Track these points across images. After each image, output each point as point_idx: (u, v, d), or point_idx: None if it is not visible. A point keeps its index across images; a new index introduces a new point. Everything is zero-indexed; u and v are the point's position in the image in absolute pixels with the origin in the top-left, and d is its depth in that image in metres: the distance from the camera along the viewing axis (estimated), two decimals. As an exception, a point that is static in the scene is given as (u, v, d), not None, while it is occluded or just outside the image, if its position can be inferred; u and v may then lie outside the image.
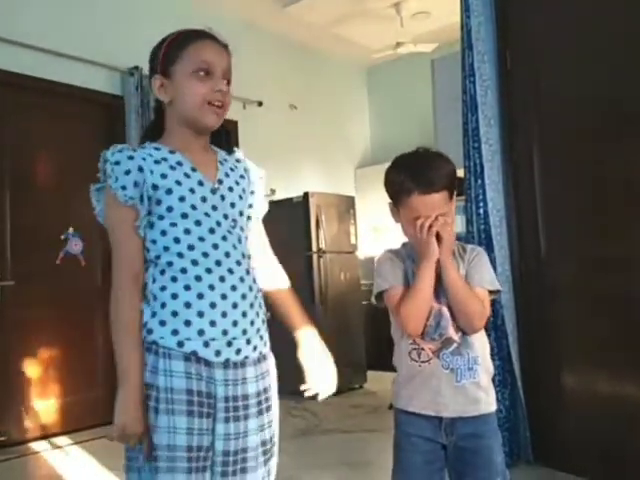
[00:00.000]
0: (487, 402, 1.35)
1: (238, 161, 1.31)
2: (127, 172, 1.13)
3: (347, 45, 5.36)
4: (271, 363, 1.26)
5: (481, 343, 1.36)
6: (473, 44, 2.59)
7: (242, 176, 1.28)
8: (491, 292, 1.39)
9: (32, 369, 3.41)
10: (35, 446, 3.23)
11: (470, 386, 1.33)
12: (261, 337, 1.22)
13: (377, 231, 5.72)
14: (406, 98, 5.54)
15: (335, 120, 5.59)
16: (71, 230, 3.63)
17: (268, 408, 1.20)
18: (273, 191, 4.45)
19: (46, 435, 3.37)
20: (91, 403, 3.54)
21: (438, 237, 1.30)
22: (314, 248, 4.29)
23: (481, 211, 2.57)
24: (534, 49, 2.62)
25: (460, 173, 2.76)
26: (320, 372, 1.38)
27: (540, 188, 2.60)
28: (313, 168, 5.25)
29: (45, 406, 3.43)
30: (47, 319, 3.48)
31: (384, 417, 3.56)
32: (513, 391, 2.51)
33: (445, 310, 1.34)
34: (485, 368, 1.36)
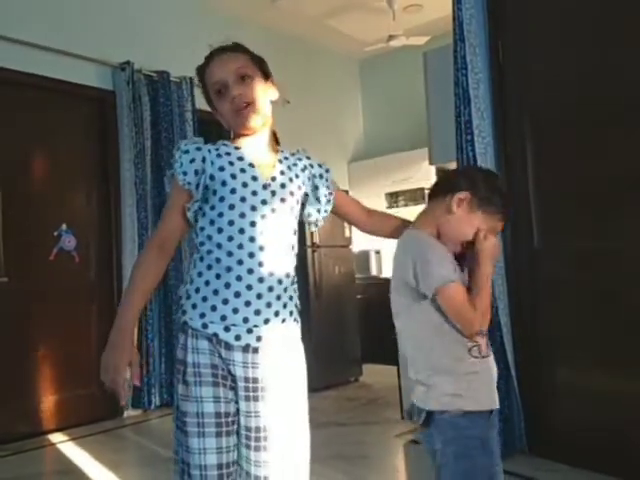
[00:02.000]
0: None
1: (300, 159, 1.41)
2: (192, 160, 1.27)
3: (339, 38, 5.34)
4: (298, 353, 1.33)
5: None
6: (465, 36, 2.59)
7: (297, 175, 1.37)
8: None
9: (27, 366, 3.40)
10: (32, 442, 3.22)
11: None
12: (287, 327, 1.29)
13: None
14: (399, 91, 5.54)
15: (328, 114, 5.58)
16: (64, 226, 3.62)
17: (294, 391, 1.29)
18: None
19: (42, 431, 3.36)
20: (87, 399, 3.54)
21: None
22: (308, 242, 4.30)
23: (474, 204, 2.58)
24: (526, 41, 2.62)
25: (453, 166, 2.78)
26: None
27: (533, 181, 2.61)
28: (306, 162, 5.23)
29: (43, 402, 3.43)
30: (41, 315, 3.47)
31: (380, 410, 3.58)
32: (507, 382, 2.53)
33: None
34: None
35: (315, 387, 4.08)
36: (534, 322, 2.56)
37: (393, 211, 5.43)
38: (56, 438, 3.30)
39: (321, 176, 1.43)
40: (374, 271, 5.41)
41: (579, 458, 2.35)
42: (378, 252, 5.47)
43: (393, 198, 5.46)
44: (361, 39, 5.22)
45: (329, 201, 1.44)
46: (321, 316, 4.28)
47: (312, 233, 4.30)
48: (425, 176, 4.95)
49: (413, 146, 5.00)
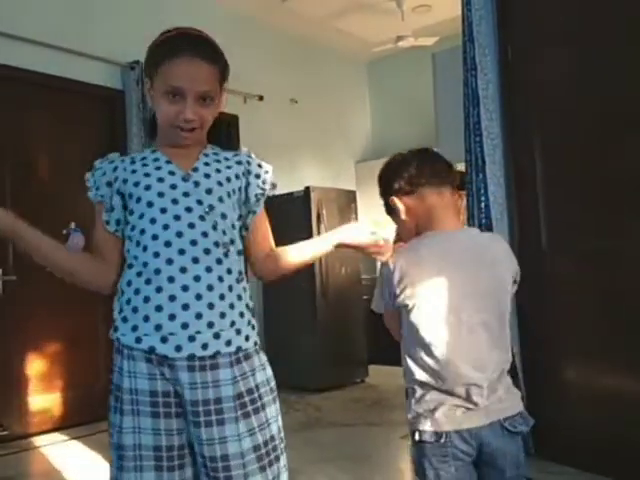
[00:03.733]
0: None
1: (236, 155, 1.26)
2: (103, 174, 1.21)
3: (348, 39, 5.34)
4: (258, 361, 1.15)
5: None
6: (474, 37, 2.58)
7: (229, 167, 1.22)
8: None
9: (33, 364, 3.42)
10: (36, 441, 3.24)
11: None
12: (238, 331, 1.12)
13: (378, 225, 5.71)
14: (407, 92, 5.52)
15: (336, 114, 5.58)
16: (73, 225, 3.63)
17: (256, 410, 1.11)
18: (274, 185, 4.45)
19: (47, 430, 3.38)
20: (92, 398, 3.54)
21: None
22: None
23: (482, 205, 2.57)
24: (535, 42, 2.61)
25: (461, 167, 2.77)
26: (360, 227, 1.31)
27: (541, 182, 2.59)
28: (314, 162, 5.24)
29: (46, 401, 3.44)
30: (49, 314, 3.49)
31: (385, 411, 3.57)
32: (514, 384, 2.51)
33: None
34: None
35: (321, 387, 4.09)
36: (541, 324, 2.55)
37: (400, 212, 5.42)
38: (60, 437, 3.32)
39: (258, 175, 1.25)
40: (381, 272, 5.40)
41: (585, 461, 2.34)
42: (385, 253, 5.46)
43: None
44: (369, 40, 5.22)
45: (258, 201, 1.25)
46: (327, 317, 4.27)
47: (319, 234, 4.30)
48: (433, 177, 4.93)
49: (421, 147, 4.99)
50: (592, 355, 2.40)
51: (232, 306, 1.12)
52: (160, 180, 1.16)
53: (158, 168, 1.18)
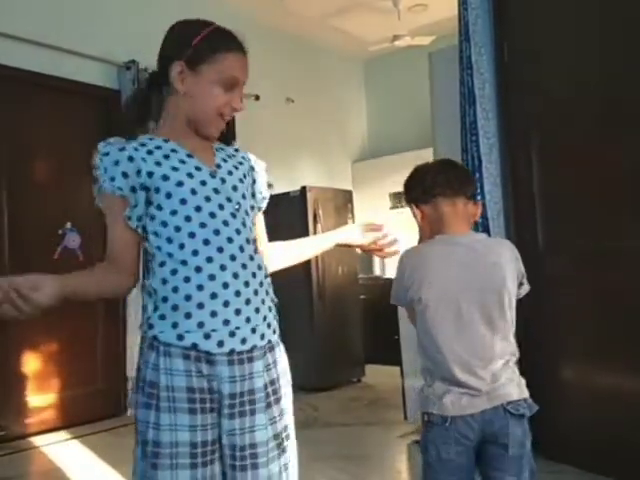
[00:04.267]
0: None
1: (237, 151, 1.29)
2: (116, 162, 1.12)
3: (344, 38, 5.34)
4: (279, 352, 1.21)
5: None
6: (470, 37, 2.59)
7: (241, 163, 1.25)
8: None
9: (31, 364, 3.41)
10: (35, 441, 3.23)
11: None
12: (269, 325, 1.17)
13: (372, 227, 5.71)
14: (404, 91, 5.53)
15: (332, 113, 5.58)
16: (69, 225, 3.62)
17: (277, 400, 1.16)
18: (270, 185, 4.44)
19: (46, 430, 3.37)
20: (90, 397, 3.54)
21: None
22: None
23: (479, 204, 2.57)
24: (531, 41, 2.62)
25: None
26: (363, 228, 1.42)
27: (538, 181, 2.60)
28: (310, 162, 5.24)
29: (45, 401, 3.43)
30: (46, 314, 3.46)
31: (382, 411, 3.57)
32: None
33: None
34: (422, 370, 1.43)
35: (318, 387, 4.08)
36: (539, 323, 2.55)
37: (397, 211, 5.42)
38: (60, 437, 3.31)
39: (259, 173, 1.30)
40: (377, 271, 5.40)
41: (585, 460, 2.35)
42: (382, 252, 5.46)
43: (397, 198, 5.45)
44: (366, 39, 5.22)
45: (264, 198, 1.30)
46: (324, 316, 4.27)
47: (315, 234, 4.30)
48: (429, 176, 4.94)
49: (418, 146, 5.00)
50: (591, 355, 2.40)
51: (263, 301, 1.17)
52: (190, 176, 1.13)
53: (182, 162, 1.15)
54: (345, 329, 4.47)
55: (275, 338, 1.20)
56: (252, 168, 1.28)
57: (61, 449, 3.12)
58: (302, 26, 5.04)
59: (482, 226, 2.56)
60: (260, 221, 1.32)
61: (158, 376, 1.10)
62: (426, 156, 4.15)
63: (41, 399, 3.42)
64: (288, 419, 1.20)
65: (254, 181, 1.27)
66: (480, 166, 2.58)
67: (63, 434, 3.34)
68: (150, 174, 1.12)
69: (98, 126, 3.83)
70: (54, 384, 3.49)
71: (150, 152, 1.14)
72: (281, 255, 1.36)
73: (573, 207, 2.46)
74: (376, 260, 5.45)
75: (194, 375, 1.10)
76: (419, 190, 1.46)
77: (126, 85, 3.82)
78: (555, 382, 2.51)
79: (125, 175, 1.12)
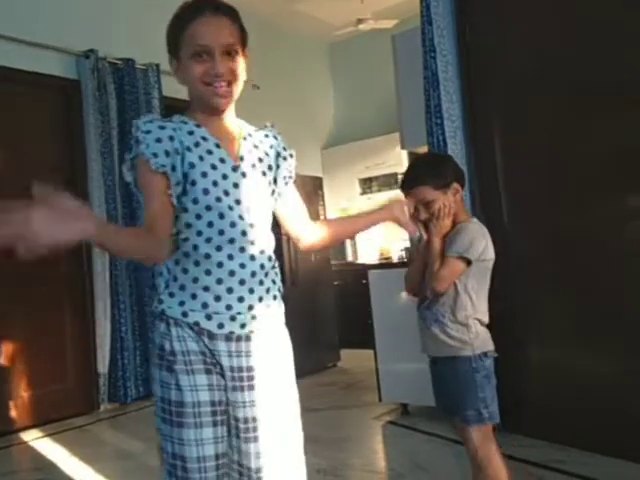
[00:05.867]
0: (456, 348, 1.60)
1: (267, 136, 1.32)
2: (158, 140, 1.14)
3: (309, 22, 5.29)
4: (283, 336, 1.30)
5: (452, 303, 1.60)
6: (432, 19, 2.59)
7: (267, 153, 1.29)
8: (467, 261, 1.59)
9: (0, 363, 3.33)
10: (6, 440, 3.17)
11: (439, 333, 1.61)
12: (271, 313, 1.25)
13: (345, 212, 5.74)
14: (370, 76, 5.52)
15: (299, 100, 5.54)
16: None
17: (287, 375, 1.27)
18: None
19: (17, 429, 3.30)
20: (62, 394, 3.49)
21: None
22: (283, 230, 4.27)
23: (446, 186, 2.60)
24: (493, 23, 2.63)
25: (424, 150, 2.79)
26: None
27: (501, 162, 2.64)
28: (279, 149, 5.20)
29: (14, 399, 3.36)
30: (14, 312, 3.39)
31: (358, 393, 3.61)
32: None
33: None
34: (455, 321, 1.60)
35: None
36: (508, 304, 2.60)
37: (367, 197, 5.45)
38: (31, 435, 3.25)
39: (285, 158, 1.34)
40: (350, 257, 5.43)
41: (554, 433, 2.42)
42: (353, 238, 5.49)
43: (367, 184, 5.48)
44: (331, 23, 5.19)
45: (287, 184, 1.34)
46: (298, 303, 4.27)
47: (286, 220, 4.29)
48: (398, 161, 4.97)
49: (385, 131, 5.02)
50: (559, 333, 2.46)
51: (268, 290, 1.23)
52: (213, 167, 1.18)
53: (209, 152, 1.19)
54: (319, 315, 4.49)
55: (278, 323, 1.28)
56: (279, 154, 1.32)
57: (33, 447, 3.07)
58: (266, 10, 4.97)
59: (449, 208, 2.59)
60: (292, 201, 1.37)
61: (172, 343, 1.17)
62: (393, 141, 4.19)
63: (12, 398, 3.35)
64: (296, 394, 1.29)
65: (278, 166, 1.31)
66: (445, 149, 2.60)
67: (35, 432, 3.28)
68: (183, 158, 1.16)
69: (57, 117, 3.72)
70: (24, 382, 3.41)
71: (185, 135, 1.18)
72: (328, 233, 1.41)
73: (538, 188, 2.51)
74: (349, 246, 5.48)
75: (203, 343, 1.17)
76: (457, 172, 1.66)
77: (85, 74, 3.72)
78: (524, 358, 2.57)
79: (167, 154, 1.14)
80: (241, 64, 1.22)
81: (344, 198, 5.51)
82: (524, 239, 2.57)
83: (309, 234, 1.40)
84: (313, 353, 4.33)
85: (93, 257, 3.66)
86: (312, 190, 4.62)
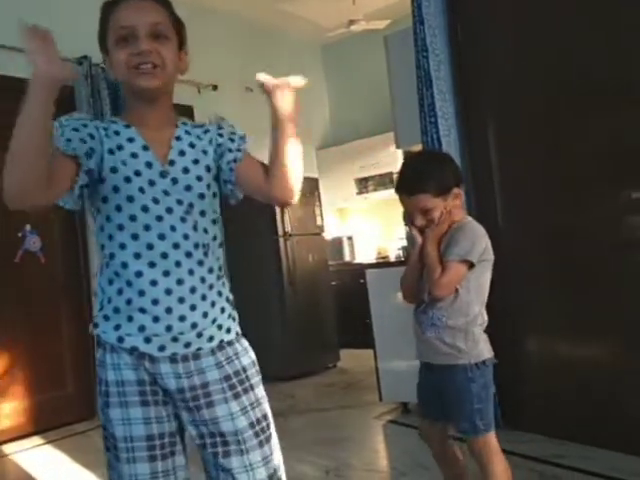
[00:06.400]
0: (453, 355, 1.56)
1: (207, 132, 1.20)
2: (75, 129, 1.05)
3: (301, 24, 5.30)
4: (240, 347, 1.18)
5: (449, 306, 1.56)
6: (424, 19, 2.60)
7: (205, 151, 1.17)
8: (469, 264, 1.55)
9: (-3, 370, 3.33)
10: (5, 448, 3.16)
11: (434, 340, 1.57)
12: (219, 326, 1.14)
13: (342, 212, 5.74)
14: (363, 76, 5.53)
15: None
16: (28, 227, 3.53)
17: (247, 389, 1.14)
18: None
19: (17, 436, 3.30)
20: (60, 401, 3.48)
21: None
22: (280, 232, 4.29)
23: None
24: (486, 21, 2.64)
25: (419, 149, 2.80)
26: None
27: (495, 161, 2.65)
28: (274, 151, 5.20)
29: (13, 407, 3.36)
30: (9, 319, 3.39)
31: (358, 393, 3.62)
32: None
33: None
34: (453, 327, 1.55)
35: (293, 375, 4.10)
36: (503, 301, 2.61)
37: (363, 197, 5.46)
38: (32, 442, 3.24)
39: (230, 143, 1.20)
40: (347, 257, 5.44)
41: (552, 428, 2.43)
42: (350, 238, 5.49)
43: (362, 184, 5.48)
44: (323, 24, 5.19)
45: (232, 170, 1.18)
46: (296, 304, 4.28)
47: (283, 222, 4.29)
48: (393, 160, 4.98)
49: (379, 131, 5.02)
50: (554, 329, 2.48)
51: (213, 304, 1.13)
52: (137, 174, 1.07)
53: (134, 155, 1.08)
54: (318, 316, 4.50)
55: (230, 336, 1.16)
56: (219, 145, 1.19)
57: (34, 455, 3.06)
58: (258, 13, 4.97)
59: (445, 206, 2.60)
60: (249, 165, 1.20)
61: (105, 372, 1.10)
62: (388, 140, 4.19)
63: (9, 405, 3.34)
64: (266, 408, 1.18)
65: (222, 156, 1.18)
66: (440, 147, 2.61)
67: (35, 440, 3.27)
68: (102, 159, 1.07)
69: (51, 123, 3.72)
70: (22, 390, 3.41)
71: (108, 136, 1.09)
72: (272, 175, 1.20)
73: (530, 184, 2.52)
74: (346, 246, 5.48)
75: (142, 369, 1.09)
76: (456, 174, 1.62)
77: (79, 80, 3.73)
78: (521, 354, 2.58)
79: (83, 141, 1.04)
80: (172, 51, 1.11)
81: (340, 198, 5.51)
82: (519, 238, 2.59)
83: (269, 182, 1.19)
84: (313, 354, 4.33)
85: (90, 264, 3.66)
86: (308, 191, 4.62)
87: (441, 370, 1.58)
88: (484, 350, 1.58)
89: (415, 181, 1.56)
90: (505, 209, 2.63)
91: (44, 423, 3.40)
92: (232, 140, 1.21)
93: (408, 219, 1.59)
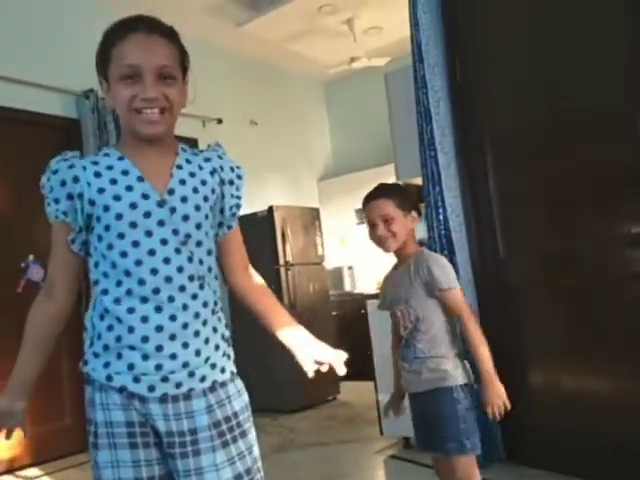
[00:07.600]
0: (439, 379, 1.62)
1: (207, 160, 1.17)
2: (63, 183, 1.06)
3: (303, 61, 5.43)
4: (234, 388, 1.12)
5: (429, 337, 1.64)
6: (423, 57, 2.68)
7: (204, 181, 1.12)
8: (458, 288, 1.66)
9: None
10: (5, 479, 3.12)
11: (420, 369, 1.63)
12: (213, 365, 1.09)
13: (343, 242, 5.77)
14: (364, 111, 5.65)
15: (296, 134, 5.65)
16: (31, 257, 3.55)
17: (238, 436, 1.07)
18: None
19: (15, 468, 3.25)
20: (60, 432, 3.45)
21: None
22: (281, 261, 4.31)
23: (441, 217, 2.65)
24: (483, 59, 2.72)
25: (419, 181, 2.85)
26: (318, 346, 1.23)
27: (495, 191, 2.69)
28: (276, 182, 5.28)
29: (12, 438, 3.31)
30: (11, 349, 3.37)
31: (358, 427, 3.58)
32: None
33: (398, 312, 1.69)
34: (436, 356, 1.62)
35: (294, 408, 4.06)
36: (504, 330, 2.61)
37: (363, 227, 5.48)
38: (31, 473, 3.20)
39: (231, 182, 1.17)
40: (348, 287, 5.44)
41: (555, 463, 2.39)
42: (351, 268, 5.50)
43: (363, 214, 5.53)
44: (325, 62, 5.32)
45: (234, 215, 1.18)
46: (297, 335, 4.26)
47: (284, 252, 4.31)
48: (393, 192, 5.02)
49: (380, 163, 5.09)
50: (556, 358, 2.47)
51: (207, 341, 1.08)
52: (132, 207, 1.04)
53: (129, 188, 1.05)
54: (318, 347, 4.46)
55: (224, 377, 1.11)
56: (223, 181, 1.15)
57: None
58: (262, 51, 5.11)
59: (445, 237, 2.63)
60: (234, 240, 1.20)
61: (95, 412, 1.07)
62: (388, 172, 4.25)
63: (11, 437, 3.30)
64: (255, 454, 1.11)
65: (223, 196, 1.15)
66: (440, 180, 2.65)
67: (33, 471, 3.23)
68: (92, 202, 1.05)
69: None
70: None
71: (98, 174, 1.06)
72: (252, 304, 1.22)
73: (529, 213, 2.56)
74: (346, 276, 5.49)
75: (133, 409, 1.05)
76: (417, 203, 1.74)
77: (86, 114, 3.80)
78: (523, 387, 2.56)
79: (70, 197, 1.06)
80: (178, 90, 1.08)
81: (341, 228, 5.55)
82: (521, 270, 2.60)
83: (241, 281, 1.21)
84: (313, 386, 4.27)
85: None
86: (310, 221, 4.67)
87: (427, 395, 1.63)
88: (467, 373, 1.65)
89: (379, 189, 1.75)
90: (506, 241, 2.65)
91: (42, 455, 3.36)
92: (233, 179, 1.19)
93: (370, 232, 1.69)
